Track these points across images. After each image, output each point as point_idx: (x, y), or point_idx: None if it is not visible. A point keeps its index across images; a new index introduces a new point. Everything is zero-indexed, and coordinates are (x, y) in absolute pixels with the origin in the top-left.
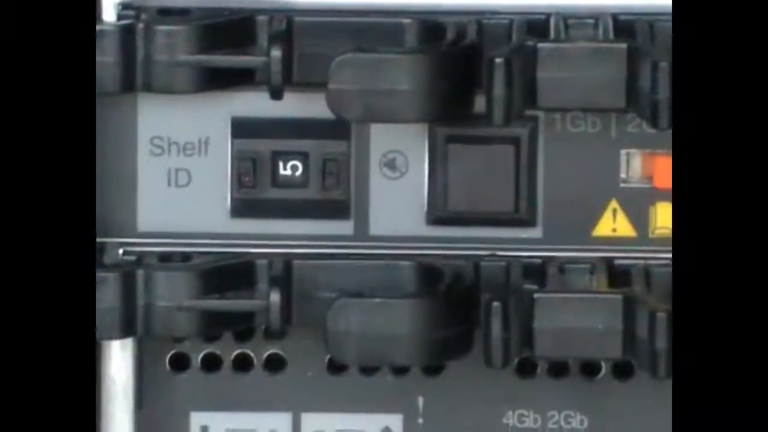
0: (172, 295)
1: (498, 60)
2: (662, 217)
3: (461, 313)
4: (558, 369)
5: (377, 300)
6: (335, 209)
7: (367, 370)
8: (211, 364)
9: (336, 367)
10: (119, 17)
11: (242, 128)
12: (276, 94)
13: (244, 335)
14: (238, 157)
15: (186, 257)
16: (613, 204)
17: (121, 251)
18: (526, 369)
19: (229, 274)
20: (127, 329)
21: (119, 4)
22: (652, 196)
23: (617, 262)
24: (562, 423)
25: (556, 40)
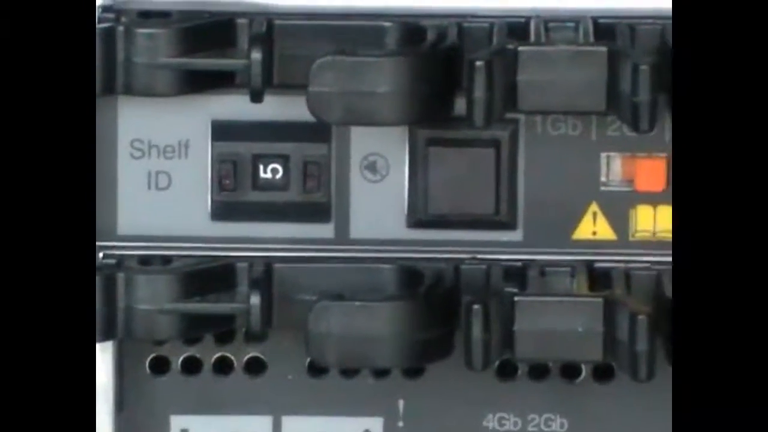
0: (153, 298)
1: (478, 63)
2: (642, 220)
3: (442, 316)
4: (538, 371)
5: (358, 302)
6: (316, 212)
7: (348, 373)
8: (192, 367)
9: (317, 370)
10: (99, 20)
11: (222, 131)
12: (256, 97)
13: (224, 338)
14: (218, 160)
15: (166, 260)
16: (594, 207)
17: (101, 254)
18: (507, 371)
19: (209, 276)
20: (107, 332)
21: (99, 6)
22: (632, 199)
23: (597, 265)
24: (543, 426)
25: (537, 42)
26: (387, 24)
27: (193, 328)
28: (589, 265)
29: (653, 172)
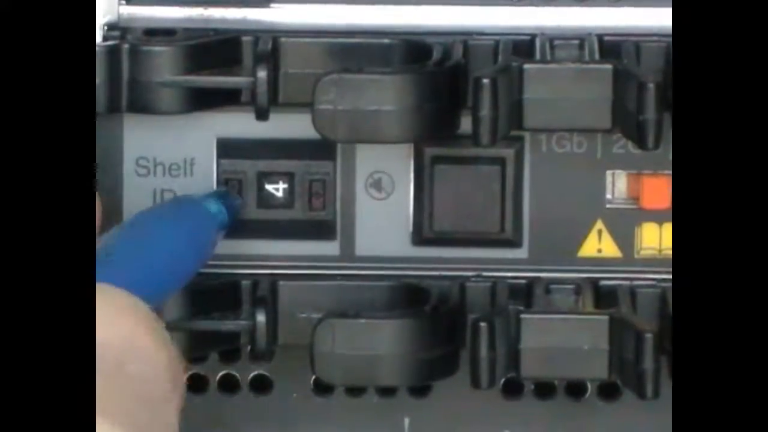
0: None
1: (484, 80)
2: (648, 237)
3: (447, 334)
4: (544, 389)
5: (363, 320)
6: (321, 229)
7: (354, 391)
8: (197, 385)
9: (322, 388)
10: (105, 38)
11: (228, 149)
12: (261, 115)
13: (230, 356)
14: (223, 178)
15: None
16: (599, 224)
17: None
18: (512, 389)
19: (214, 294)
20: None
21: (104, 24)
22: (637, 216)
23: (603, 282)
24: None
25: (542, 60)
26: (392, 42)
27: (198, 346)
28: (594, 282)
29: (659, 189)
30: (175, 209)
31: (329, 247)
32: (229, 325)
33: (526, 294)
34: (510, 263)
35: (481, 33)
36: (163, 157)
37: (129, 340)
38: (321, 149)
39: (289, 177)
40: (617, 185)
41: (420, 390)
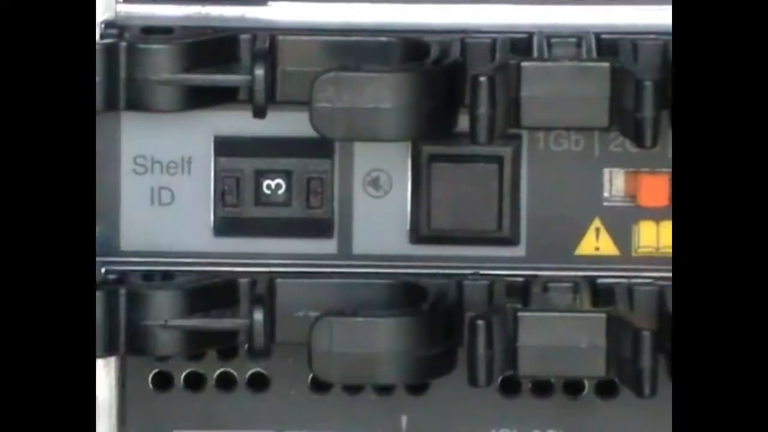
0: (156, 314)
1: (482, 78)
2: (645, 235)
3: (444, 332)
4: (542, 387)
5: (360, 318)
6: (318, 228)
7: (351, 389)
8: (195, 383)
9: (319, 386)
10: (102, 36)
11: (225, 147)
12: (259, 113)
13: (227, 354)
14: (221, 176)
15: (169, 276)
16: (597, 223)
17: (103, 270)
18: (510, 387)
19: (212, 292)
20: (110, 348)
21: (102, 22)
22: (635, 214)
23: (600, 280)
24: None
25: (540, 58)
26: (390, 40)
27: (196, 344)
28: (592, 280)
29: (656, 187)
30: None
31: (327, 245)
32: (226, 323)
33: (523, 292)
34: (507, 261)
35: (478, 31)
36: (161, 155)
37: None
38: (318, 147)
39: (286, 175)
40: (615, 183)
41: (417, 388)
